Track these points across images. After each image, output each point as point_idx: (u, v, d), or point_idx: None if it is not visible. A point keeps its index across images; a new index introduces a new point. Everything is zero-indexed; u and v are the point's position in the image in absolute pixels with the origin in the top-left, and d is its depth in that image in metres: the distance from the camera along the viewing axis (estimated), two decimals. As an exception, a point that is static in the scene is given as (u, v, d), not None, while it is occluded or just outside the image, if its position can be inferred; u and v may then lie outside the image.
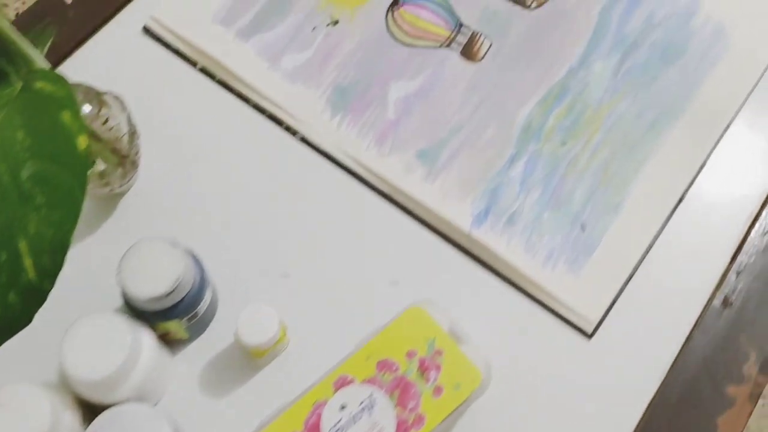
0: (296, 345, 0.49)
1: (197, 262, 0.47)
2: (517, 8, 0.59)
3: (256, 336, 0.46)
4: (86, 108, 0.48)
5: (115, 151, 0.50)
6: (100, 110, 0.49)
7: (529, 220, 0.52)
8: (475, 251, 0.51)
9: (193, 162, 0.55)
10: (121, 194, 0.54)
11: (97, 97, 0.50)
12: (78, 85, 0.49)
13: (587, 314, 0.49)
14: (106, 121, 0.49)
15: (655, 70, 0.56)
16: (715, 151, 0.54)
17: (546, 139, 0.54)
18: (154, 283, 0.44)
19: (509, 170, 0.54)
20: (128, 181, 0.52)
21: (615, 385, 0.49)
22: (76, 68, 0.57)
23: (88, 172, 0.45)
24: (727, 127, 0.55)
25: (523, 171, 0.54)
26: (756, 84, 0.56)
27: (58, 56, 0.58)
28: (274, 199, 0.54)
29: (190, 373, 0.49)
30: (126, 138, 0.50)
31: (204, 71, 0.58)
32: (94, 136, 0.48)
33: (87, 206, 0.46)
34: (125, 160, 0.51)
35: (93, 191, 0.51)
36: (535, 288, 0.50)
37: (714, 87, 0.55)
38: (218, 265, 0.51)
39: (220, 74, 0.57)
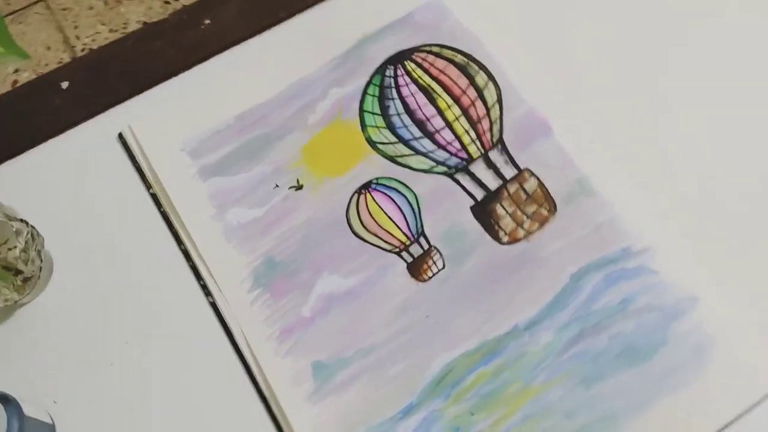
0: None
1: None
2: (487, 237, 0.52)
3: None
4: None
5: (8, 269, 0.49)
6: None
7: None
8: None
9: (103, 289, 0.53)
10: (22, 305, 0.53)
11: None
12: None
13: None
14: (5, 242, 0.48)
15: (606, 368, 0.47)
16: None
17: (454, 401, 0.48)
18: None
19: (399, 423, 0.48)
20: (26, 296, 0.52)
21: None
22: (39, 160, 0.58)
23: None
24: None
25: (413, 429, 0.47)
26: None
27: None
28: (158, 362, 0.51)
29: None
30: (24, 259, 0.50)
31: (154, 197, 0.56)
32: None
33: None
34: (22, 278, 0.50)
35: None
36: None
37: (673, 415, 0.46)
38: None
39: (166, 207, 0.55)
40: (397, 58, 0.58)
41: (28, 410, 0.47)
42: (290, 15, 0.62)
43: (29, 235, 0.51)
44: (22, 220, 0.51)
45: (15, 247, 0.50)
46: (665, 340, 0.47)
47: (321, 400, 0.48)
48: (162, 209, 0.55)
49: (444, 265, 0.51)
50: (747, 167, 0.53)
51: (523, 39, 0.58)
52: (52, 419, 0.49)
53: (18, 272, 0.50)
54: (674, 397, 0.46)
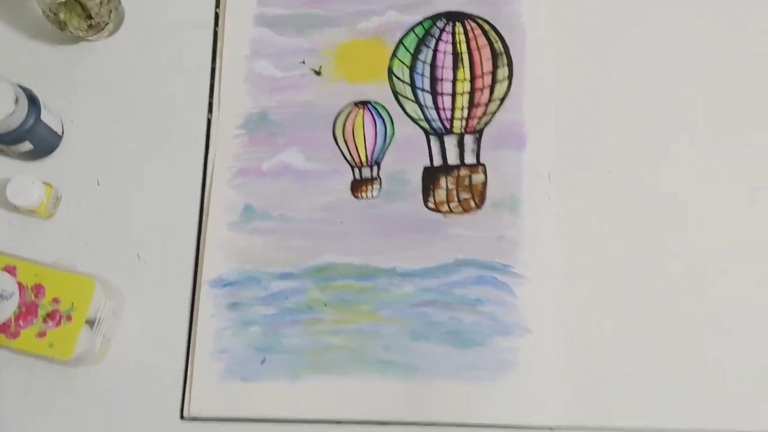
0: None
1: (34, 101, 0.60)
2: (420, 196, 0.61)
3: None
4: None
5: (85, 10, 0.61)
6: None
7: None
8: None
9: (144, 54, 0.66)
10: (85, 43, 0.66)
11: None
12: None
13: None
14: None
15: (433, 335, 0.58)
16: None
17: (320, 289, 0.60)
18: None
19: (275, 280, 0.61)
20: (88, 34, 0.64)
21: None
22: None
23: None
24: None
25: (281, 289, 0.61)
26: None
27: None
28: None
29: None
30: (97, 11, 0.62)
31: (216, 15, 0.67)
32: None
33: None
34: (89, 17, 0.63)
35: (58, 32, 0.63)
36: None
37: (453, 395, 0.58)
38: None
39: (220, 27, 0.66)
40: (454, 16, 0.64)
41: (45, 116, 0.62)
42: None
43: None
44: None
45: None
46: (484, 343, 0.58)
47: (236, 231, 0.62)
48: (216, 28, 0.66)
49: (377, 195, 0.62)
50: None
51: (564, 59, 0.63)
52: (63, 132, 0.65)
53: (89, 17, 0.63)
54: (462, 384, 0.58)
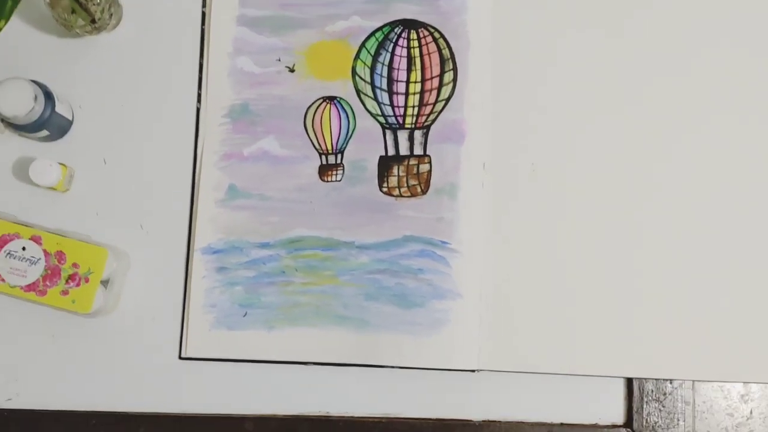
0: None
1: (49, 96, 0.71)
2: (375, 181, 0.74)
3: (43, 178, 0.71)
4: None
5: (82, 5, 0.71)
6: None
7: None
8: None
9: (140, 46, 0.76)
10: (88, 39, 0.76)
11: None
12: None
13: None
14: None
15: (381, 296, 0.72)
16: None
17: (292, 258, 0.73)
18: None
19: (254, 249, 0.74)
20: (90, 31, 0.74)
21: None
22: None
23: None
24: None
25: (260, 257, 0.74)
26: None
27: None
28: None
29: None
30: (101, 13, 0.71)
31: (203, 14, 0.76)
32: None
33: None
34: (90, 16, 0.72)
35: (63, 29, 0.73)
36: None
37: (391, 345, 0.72)
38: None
39: (206, 26, 0.76)
40: (409, 24, 0.75)
41: (59, 107, 0.72)
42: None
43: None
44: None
45: (96, 2, 0.71)
46: (423, 305, 0.72)
47: (221, 207, 0.74)
48: (203, 25, 0.76)
49: (341, 179, 0.74)
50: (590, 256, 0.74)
51: (500, 68, 0.74)
52: (73, 117, 0.75)
53: (94, 22, 0.72)
54: (404, 337, 0.72)
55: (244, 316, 0.73)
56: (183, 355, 0.73)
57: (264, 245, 0.74)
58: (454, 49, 0.74)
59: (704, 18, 0.75)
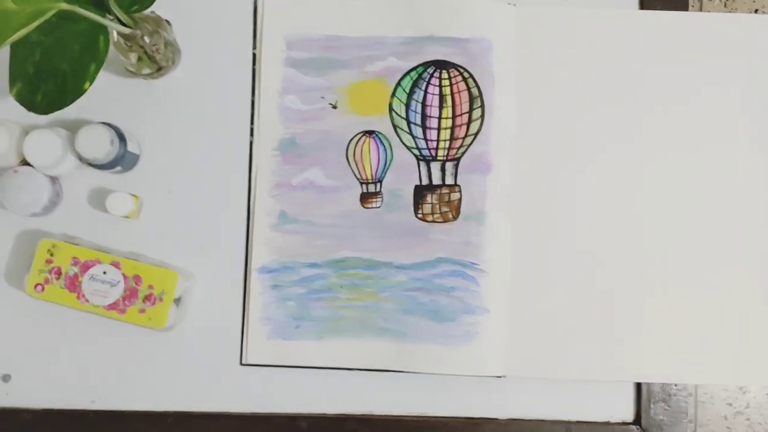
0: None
1: (122, 137, 0.80)
2: (411, 208, 0.82)
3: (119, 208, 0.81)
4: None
5: (148, 56, 0.79)
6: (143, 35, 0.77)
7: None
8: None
9: (197, 84, 0.85)
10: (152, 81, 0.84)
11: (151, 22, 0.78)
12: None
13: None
14: (145, 38, 0.77)
15: (418, 311, 0.81)
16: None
17: (338, 276, 0.83)
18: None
19: (305, 268, 0.83)
20: (154, 76, 0.82)
21: None
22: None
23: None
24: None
25: (309, 276, 0.83)
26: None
27: None
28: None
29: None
30: (160, 52, 0.79)
31: (254, 56, 0.84)
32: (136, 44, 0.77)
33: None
34: (156, 64, 0.81)
35: (129, 72, 0.81)
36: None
37: (427, 356, 0.82)
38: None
39: (257, 65, 0.84)
40: (440, 64, 0.82)
41: (130, 145, 0.81)
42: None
43: (172, 45, 0.80)
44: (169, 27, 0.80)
45: (160, 51, 0.79)
46: (454, 319, 0.81)
47: (274, 231, 0.83)
48: (254, 66, 0.84)
49: (380, 206, 0.83)
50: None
51: (523, 105, 0.81)
52: (140, 152, 0.84)
53: (159, 68, 0.81)
54: (438, 347, 0.81)
55: (297, 327, 0.83)
56: (244, 362, 0.83)
57: (313, 265, 0.83)
58: (481, 88, 0.82)
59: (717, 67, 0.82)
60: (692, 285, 0.82)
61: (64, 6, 0.60)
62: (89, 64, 0.69)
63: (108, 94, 0.85)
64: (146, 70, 0.81)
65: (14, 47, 0.72)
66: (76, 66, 0.69)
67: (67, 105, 0.70)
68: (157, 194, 0.85)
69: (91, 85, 0.70)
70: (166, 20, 0.81)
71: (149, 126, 0.85)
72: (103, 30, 0.69)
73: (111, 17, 0.70)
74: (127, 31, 0.70)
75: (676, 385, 0.82)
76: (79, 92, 0.69)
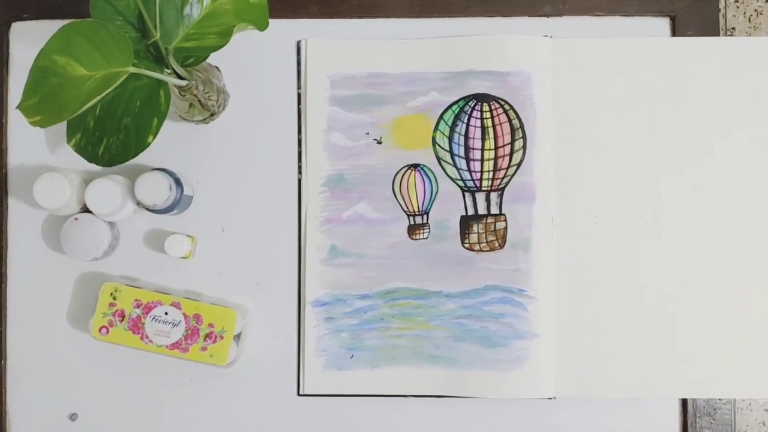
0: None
1: (179, 182, 0.82)
2: (458, 237, 0.85)
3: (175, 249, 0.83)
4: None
5: (201, 103, 0.82)
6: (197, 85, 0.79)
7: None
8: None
9: (246, 130, 0.88)
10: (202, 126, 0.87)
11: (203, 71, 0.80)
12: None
13: None
14: (198, 87, 0.80)
15: (468, 338, 0.84)
16: None
17: (389, 306, 0.85)
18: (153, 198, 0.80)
19: (357, 299, 0.86)
20: (206, 121, 0.85)
21: None
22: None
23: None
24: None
25: (361, 306, 0.85)
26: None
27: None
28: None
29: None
30: (212, 98, 0.82)
31: (299, 95, 0.87)
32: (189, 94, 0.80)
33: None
34: (208, 110, 0.83)
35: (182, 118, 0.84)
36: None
37: (481, 381, 0.84)
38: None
39: (302, 105, 0.87)
40: (482, 98, 0.84)
41: (185, 189, 0.84)
42: (448, 15, 0.86)
43: (222, 91, 0.83)
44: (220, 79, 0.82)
45: (213, 98, 0.82)
46: (505, 345, 0.84)
47: (325, 266, 0.86)
48: (299, 105, 0.87)
49: (427, 237, 0.85)
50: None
51: (563, 134, 0.84)
52: (193, 193, 0.87)
53: (212, 114, 0.83)
54: (489, 372, 0.84)
55: (351, 358, 0.85)
56: (301, 393, 0.86)
57: (364, 296, 0.86)
58: (522, 119, 0.84)
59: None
60: (735, 300, 0.84)
61: (132, 70, 0.63)
62: (152, 118, 0.72)
63: (160, 139, 0.87)
64: (198, 117, 0.83)
65: (74, 102, 0.75)
66: (139, 121, 0.71)
67: (131, 158, 0.73)
68: (211, 233, 0.87)
69: (154, 138, 0.72)
70: (216, 67, 0.83)
71: (201, 167, 0.87)
72: (164, 84, 0.72)
73: (168, 71, 0.73)
74: (183, 83, 0.73)
75: (720, 399, 0.85)
76: (142, 146, 0.72)
